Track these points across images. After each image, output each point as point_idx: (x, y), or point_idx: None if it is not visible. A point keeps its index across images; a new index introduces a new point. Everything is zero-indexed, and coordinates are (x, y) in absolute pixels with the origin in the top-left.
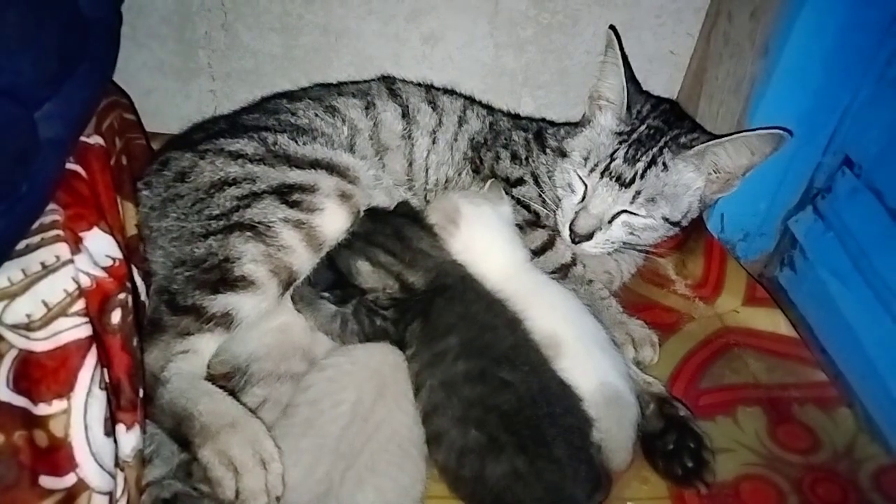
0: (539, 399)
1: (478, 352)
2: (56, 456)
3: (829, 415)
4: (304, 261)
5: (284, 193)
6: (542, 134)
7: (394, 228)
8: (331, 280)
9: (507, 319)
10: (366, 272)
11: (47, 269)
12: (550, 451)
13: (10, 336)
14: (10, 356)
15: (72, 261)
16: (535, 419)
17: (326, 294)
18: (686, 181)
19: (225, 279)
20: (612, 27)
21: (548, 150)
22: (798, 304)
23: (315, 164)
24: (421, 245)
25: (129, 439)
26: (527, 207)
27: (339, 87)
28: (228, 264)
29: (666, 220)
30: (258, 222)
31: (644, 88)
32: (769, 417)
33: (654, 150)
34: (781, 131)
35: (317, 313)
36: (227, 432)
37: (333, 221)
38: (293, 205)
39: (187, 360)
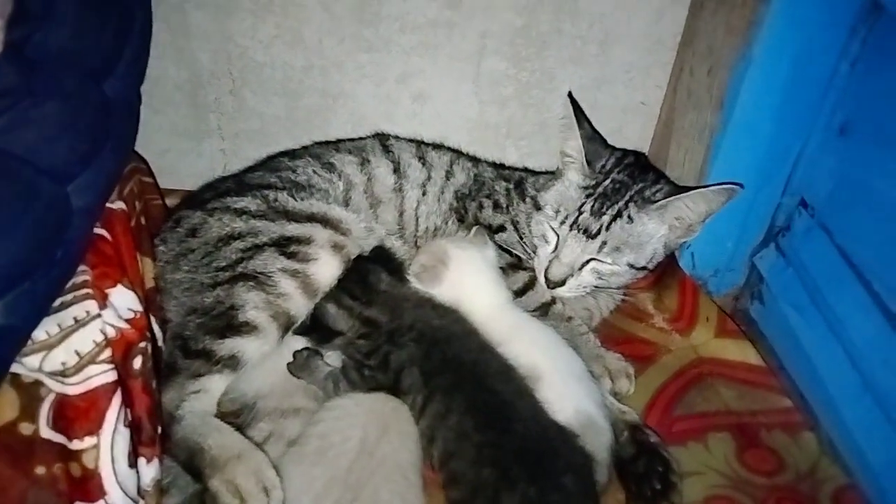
0: (541, 438)
1: (481, 406)
2: (88, 485)
3: (793, 438)
4: (300, 306)
5: (283, 245)
6: (523, 183)
7: (360, 275)
8: (306, 324)
9: (498, 368)
10: (333, 313)
11: (79, 323)
12: (559, 483)
13: (49, 382)
14: (49, 399)
15: (100, 315)
16: (539, 455)
17: (305, 338)
18: (650, 231)
19: (231, 325)
20: (569, 94)
21: (527, 199)
22: (767, 335)
23: (311, 218)
24: (381, 287)
25: (150, 471)
26: (508, 252)
27: (336, 145)
28: (234, 311)
29: (631, 266)
30: (259, 272)
31: (621, 136)
32: (737, 442)
33: (620, 203)
34: (734, 186)
35: (312, 376)
36: (233, 463)
37: (327, 270)
38: (290, 255)
39: (199, 399)
